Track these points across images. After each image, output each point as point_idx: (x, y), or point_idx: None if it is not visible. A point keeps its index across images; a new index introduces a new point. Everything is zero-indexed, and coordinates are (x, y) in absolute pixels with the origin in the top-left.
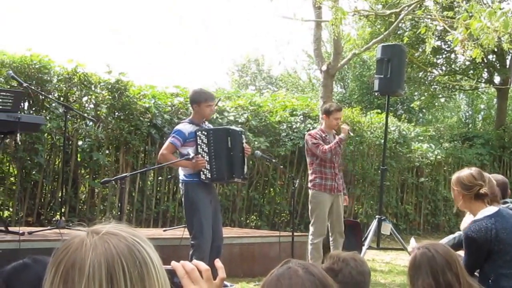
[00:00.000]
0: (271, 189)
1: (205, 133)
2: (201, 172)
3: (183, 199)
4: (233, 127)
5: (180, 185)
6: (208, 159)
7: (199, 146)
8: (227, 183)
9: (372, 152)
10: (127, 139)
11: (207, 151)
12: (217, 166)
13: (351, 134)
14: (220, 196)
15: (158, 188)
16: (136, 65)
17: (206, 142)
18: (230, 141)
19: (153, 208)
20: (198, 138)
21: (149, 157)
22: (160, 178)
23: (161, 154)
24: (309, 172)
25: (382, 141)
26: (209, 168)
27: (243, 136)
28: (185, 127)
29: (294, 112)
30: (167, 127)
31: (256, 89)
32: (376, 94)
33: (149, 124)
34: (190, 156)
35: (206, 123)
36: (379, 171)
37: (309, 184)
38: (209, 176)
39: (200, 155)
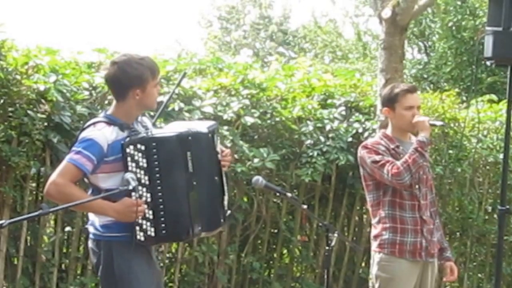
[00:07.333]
0: (285, 251)
1: (143, 147)
2: (137, 227)
3: (100, 271)
4: (193, 126)
5: (91, 243)
6: (150, 200)
7: (131, 175)
8: (185, 242)
9: (480, 178)
10: (2, 154)
11: (147, 182)
12: (169, 212)
13: (437, 124)
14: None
15: (65, 250)
16: (27, 13)
17: (144, 164)
18: (191, 159)
19: None
20: (128, 157)
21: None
22: (68, 228)
23: (52, 184)
24: (372, 220)
25: (501, 156)
26: (151, 217)
27: (215, 137)
28: (104, 132)
29: (329, 101)
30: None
31: (255, 55)
32: (487, 64)
33: (46, 124)
34: (133, 197)
35: (143, 118)
36: (497, 216)
37: (373, 244)
38: (152, 234)
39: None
